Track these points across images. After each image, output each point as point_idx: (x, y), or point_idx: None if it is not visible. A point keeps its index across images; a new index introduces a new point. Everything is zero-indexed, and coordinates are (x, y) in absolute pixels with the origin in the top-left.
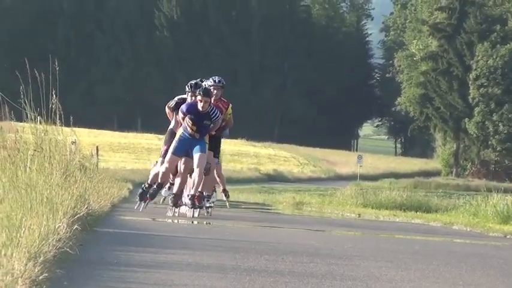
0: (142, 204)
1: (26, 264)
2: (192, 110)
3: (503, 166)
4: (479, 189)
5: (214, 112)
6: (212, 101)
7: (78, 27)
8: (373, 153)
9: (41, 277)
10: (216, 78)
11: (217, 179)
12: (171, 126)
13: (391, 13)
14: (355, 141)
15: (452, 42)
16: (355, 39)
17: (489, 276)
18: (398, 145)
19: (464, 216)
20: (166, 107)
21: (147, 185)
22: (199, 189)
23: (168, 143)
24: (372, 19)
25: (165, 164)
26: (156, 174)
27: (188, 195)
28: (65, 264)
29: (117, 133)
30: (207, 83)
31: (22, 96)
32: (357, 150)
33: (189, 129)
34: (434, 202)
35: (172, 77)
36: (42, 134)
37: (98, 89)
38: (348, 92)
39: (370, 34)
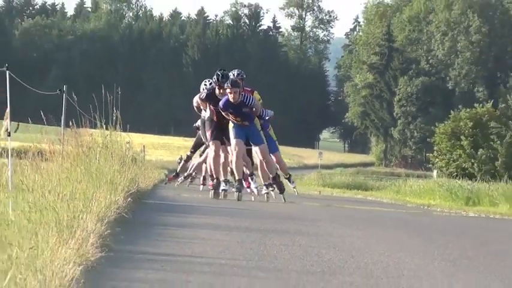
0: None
1: (96, 224)
2: (227, 104)
3: (417, 159)
4: (400, 175)
5: (247, 98)
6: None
7: (131, 65)
8: (329, 150)
9: (105, 233)
10: (235, 72)
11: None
12: (207, 116)
13: (342, 56)
14: (317, 142)
15: (383, 76)
16: (318, 74)
17: (407, 234)
18: (346, 145)
19: (390, 193)
20: (198, 98)
21: (223, 179)
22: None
23: (209, 130)
24: (329, 60)
25: (234, 150)
26: (224, 164)
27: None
28: (122, 225)
29: (157, 136)
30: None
31: (91, 111)
32: (318, 148)
33: (235, 121)
34: (370, 183)
35: None
36: (107, 137)
37: (145, 107)
38: (313, 109)
39: (328, 70)
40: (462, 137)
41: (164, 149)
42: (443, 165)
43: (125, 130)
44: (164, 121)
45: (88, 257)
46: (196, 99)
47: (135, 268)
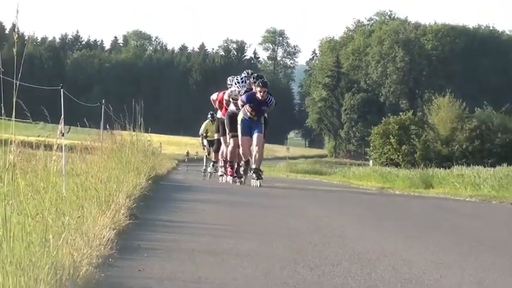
0: (242, 179)
1: (125, 200)
2: (251, 99)
3: (358, 152)
4: (346, 164)
5: (269, 99)
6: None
7: (151, 85)
8: (294, 146)
9: (132, 206)
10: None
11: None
12: (236, 111)
13: (303, 78)
14: (286, 140)
15: (333, 92)
16: (286, 91)
17: (354, 207)
18: (307, 142)
19: (338, 177)
20: (231, 94)
21: (236, 165)
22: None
23: (228, 125)
24: (294, 81)
25: (241, 147)
26: (234, 154)
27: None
28: (144, 200)
29: (170, 136)
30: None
31: (121, 118)
32: (286, 144)
33: (248, 114)
34: (324, 170)
35: (198, 110)
36: (134, 137)
37: (161, 115)
38: (282, 116)
39: (293, 89)
40: (391, 136)
41: (175, 145)
42: (377, 156)
43: (146, 131)
44: (175, 125)
45: (120, 223)
46: (229, 94)
47: (154, 231)
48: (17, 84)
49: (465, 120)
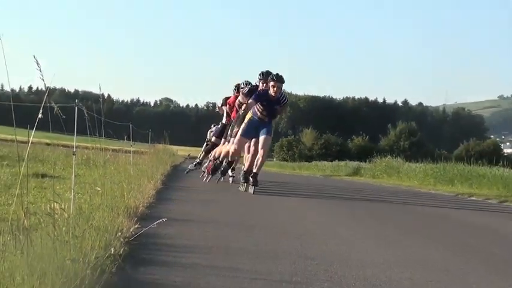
0: (210, 176)
1: (160, 176)
2: (263, 96)
3: (268, 155)
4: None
5: (283, 97)
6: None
7: (172, 123)
8: None
9: (163, 179)
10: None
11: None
12: (242, 111)
13: None
14: None
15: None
16: None
17: (299, 185)
18: None
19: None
20: (241, 94)
21: (218, 162)
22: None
23: (239, 125)
24: None
25: (234, 145)
26: (227, 153)
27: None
28: (169, 176)
29: (182, 146)
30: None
31: (157, 138)
32: None
33: (259, 113)
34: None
35: (194, 133)
36: (164, 147)
37: (176, 136)
38: None
39: None
40: (283, 147)
41: (183, 151)
42: (277, 156)
43: (169, 144)
44: (184, 141)
45: (158, 187)
46: (238, 99)
47: (175, 191)
48: (103, 120)
49: (318, 140)
